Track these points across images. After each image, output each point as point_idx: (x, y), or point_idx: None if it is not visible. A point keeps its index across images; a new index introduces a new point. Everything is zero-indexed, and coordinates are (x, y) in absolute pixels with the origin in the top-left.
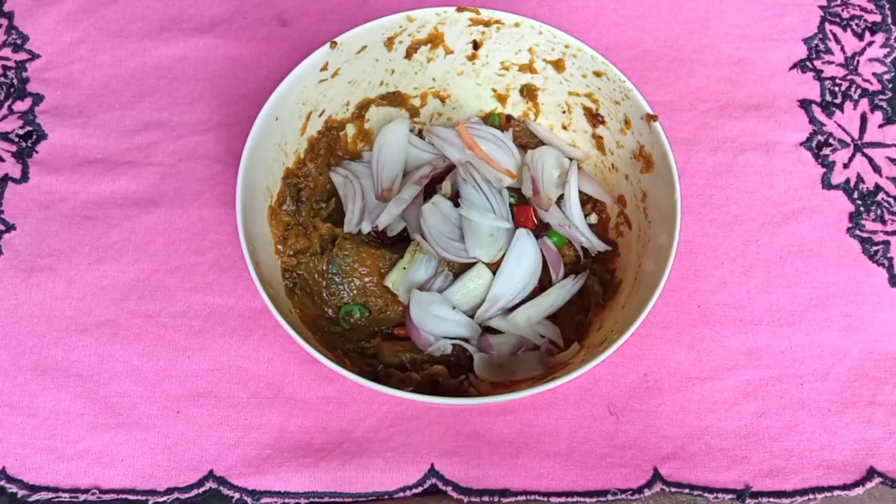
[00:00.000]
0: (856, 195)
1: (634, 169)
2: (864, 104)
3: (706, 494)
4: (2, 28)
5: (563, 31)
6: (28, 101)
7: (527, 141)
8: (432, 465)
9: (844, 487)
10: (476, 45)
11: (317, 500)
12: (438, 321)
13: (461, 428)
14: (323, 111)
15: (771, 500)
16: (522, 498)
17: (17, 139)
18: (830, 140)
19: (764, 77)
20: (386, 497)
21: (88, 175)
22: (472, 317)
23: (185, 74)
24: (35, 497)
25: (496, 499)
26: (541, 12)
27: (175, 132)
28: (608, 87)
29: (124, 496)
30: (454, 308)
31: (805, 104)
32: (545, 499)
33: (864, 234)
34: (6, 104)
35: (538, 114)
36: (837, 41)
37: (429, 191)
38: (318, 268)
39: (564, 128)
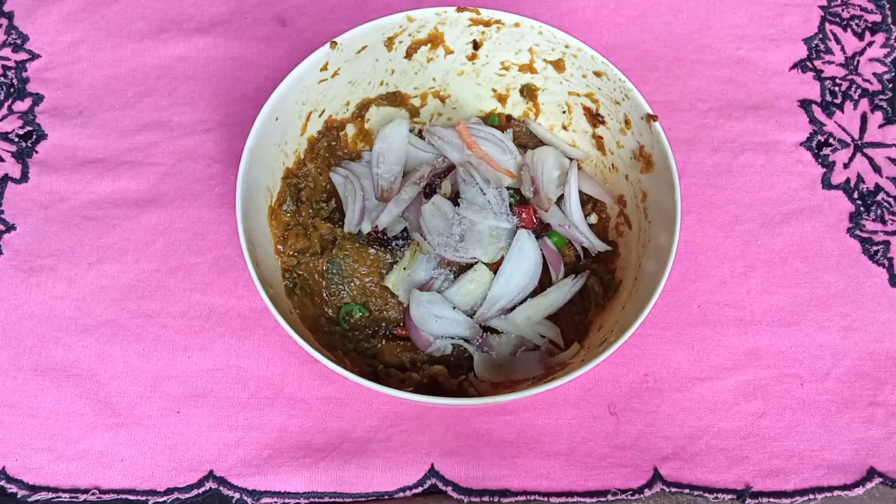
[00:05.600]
0: (856, 195)
1: (634, 169)
2: (864, 104)
3: (706, 494)
4: (2, 28)
5: (563, 31)
6: (28, 101)
7: (527, 141)
8: (432, 465)
9: (845, 487)
10: (476, 45)
11: (317, 500)
12: (438, 321)
13: (461, 428)
14: (323, 111)
15: (771, 500)
16: (522, 498)
17: (17, 139)
18: (830, 140)
19: (764, 77)
20: (386, 497)
21: (88, 175)
22: (472, 317)
23: (185, 74)
24: (35, 497)
25: (496, 499)
26: (541, 12)
27: (175, 132)
28: (608, 87)
29: (124, 496)
30: (454, 308)
31: (805, 104)
32: (545, 499)
33: (865, 234)
34: (6, 104)
35: (538, 114)
36: (838, 41)
37: (429, 191)
38: (318, 268)
39: (564, 128)
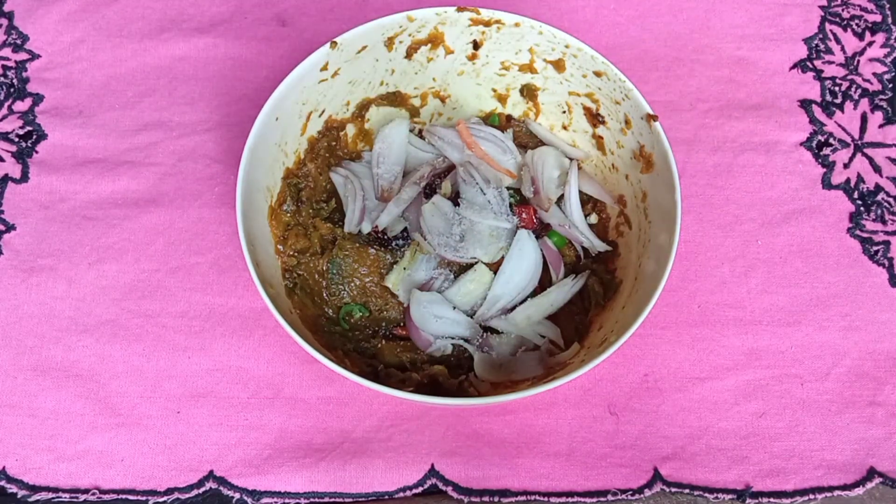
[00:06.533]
0: (856, 195)
1: (635, 169)
2: (864, 104)
3: (706, 494)
4: (2, 28)
5: (563, 31)
6: (28, 101)
7: (527, 141)
8: (432, 465)
9: (845, 487)
10: (476, 45)
11: (317, 500)
12: (438, 321)
13: (461, 428)
14: (323, 111)
15: (771, 500)
16: (522, 498)
17: (17, 139)
18: (831, 140)
19: (764, 77)
20: (386, 497)
21: (88, 175)
22: (472, 317)
23: (185, 74)
24: (35, 497)
25: (496, 499)
26: (541, 12)
27: (175, 132)
28: (608, 87)
29: (124, 496)
30: (454, 308)
31: (805, 104)
32: (545, 499)
33: (865, 234)
34: (6, 104)
35: (538, 114)
36: (838, 41)
37: (429, 191)
38: (318, 268)
39: (564, 128)
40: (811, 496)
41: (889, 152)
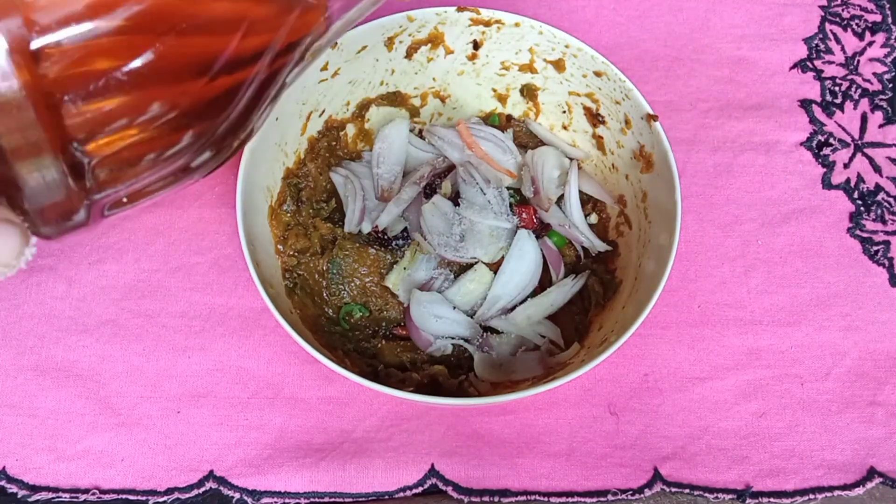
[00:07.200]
0: (856, 195)
1: (635, 169)
2: (864, 104)
3: (706, 494)
4: None
5: (563, 31)
6: None
7: (527, 141)
8: (432, 465)
9: (845, 487)
10: (476, 45)
11: (317, 500)
12: (438, 321)
13: (461, 428)
14: (323, 111)
15: (771, 500)
16: (522, 498)
17: None
18: (831, 140)
19: (764, 77)
20: (386, 497)
21: None
22: (472, 317)
23: None
24: (35, 497)
25: (496, 499)
26: (541, 12)
27: None
28: (608, 87)
29: (124, 496)
30: (454, 308)
31: (805, 104)
32: (545, 499)
33: (865, 234)
34: None
35: (538, 114)
36: (838, 41)
37: (429, 191)
38: (318, 268)
39: (564, 128)
40: (811, 496)
41: (889, 152)
